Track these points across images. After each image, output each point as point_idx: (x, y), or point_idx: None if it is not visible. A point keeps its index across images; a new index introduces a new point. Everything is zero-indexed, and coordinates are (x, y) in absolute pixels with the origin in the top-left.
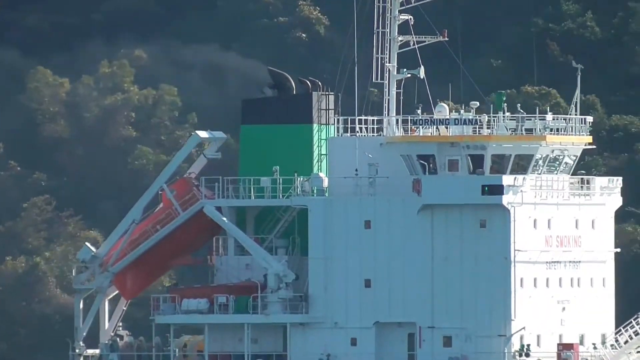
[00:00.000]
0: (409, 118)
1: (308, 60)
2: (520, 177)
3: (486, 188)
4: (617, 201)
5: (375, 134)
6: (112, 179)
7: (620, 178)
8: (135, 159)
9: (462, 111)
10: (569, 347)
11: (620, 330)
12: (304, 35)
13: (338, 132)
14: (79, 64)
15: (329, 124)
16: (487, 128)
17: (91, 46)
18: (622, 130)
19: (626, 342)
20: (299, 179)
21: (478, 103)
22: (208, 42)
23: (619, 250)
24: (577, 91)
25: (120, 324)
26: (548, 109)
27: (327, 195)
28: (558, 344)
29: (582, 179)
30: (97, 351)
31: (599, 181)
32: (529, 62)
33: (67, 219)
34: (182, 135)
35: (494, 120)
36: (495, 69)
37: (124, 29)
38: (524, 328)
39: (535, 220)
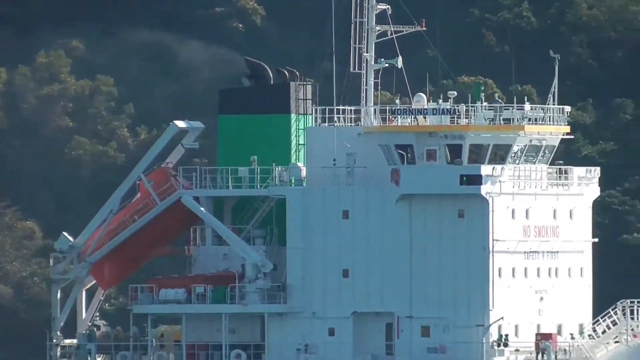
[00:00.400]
0: (387, 108)
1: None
2: (498, 167)
3: (464, 178)
4: (595, 191)
5: (353, 124)
6: (49, 170)
7: (599, 168)
8: (72, 150)
9: (440, 101)
10: (547, 337)
11: (598, 320)
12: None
13: (316, 122)
14: (15, 54)
15: (306, 114)
16: (465, 118)
17: (28, 36)
18: None
19: (604, 332)
20: (277, 168)
21: (455, 93)
22: (150, 29)
23: (596, 240)
24: (555, 81)
25: (97, 314)
26: (483, 99)
27: (305, 185)
28: (536, 334)
29: (559, 169)
30: (75, 341)
31: (577, 171)
32: (465, 52)
33: (3, 210)
34: (118, 125)
35: (472, 110)
36: (432, 59)
37: (60, 18)
38: (502, 318)
39: (513, 210)
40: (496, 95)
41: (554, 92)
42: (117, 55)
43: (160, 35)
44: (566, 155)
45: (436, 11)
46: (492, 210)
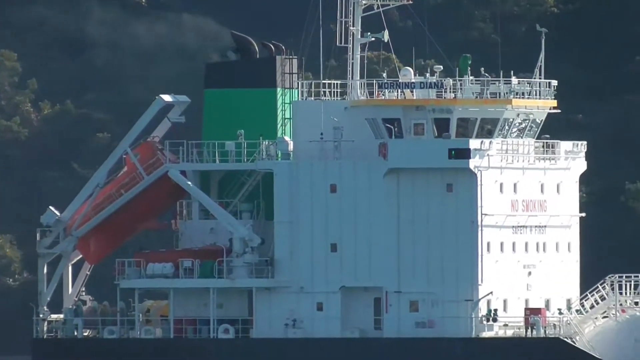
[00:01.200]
0: (374, 81)
1: None
2: (487, 141)
3: (453, 152)
4: (581, 165)
5: (339, 98)
6: None
7: (585, 142)
8: None
9: (427, 75)
10: (536, 312)
11: (586, 295)
12: None
13: (302, 96)
14: None
15: (292, 88)
16: (452, 92)
17: None
18: None
19: (592, 307)
20: (264, 142)
21: (442, 67)
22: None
23: (584, 215)
24: (542, 55)
25: (84, 289)
26: (385, 74)
27: (292, 159)
28: (525, 309)
29: (546, 143)
30: (61, 316)
31: (564, 145)
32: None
33: None
34: (21, 100)
35: (459, 83)
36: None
37: None
38: (491, 293)
39: (501, 184)
40: (482, 69)
41: (540, 66)
42: (20, 29)
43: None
44: None
45: None
46: (481, 184)
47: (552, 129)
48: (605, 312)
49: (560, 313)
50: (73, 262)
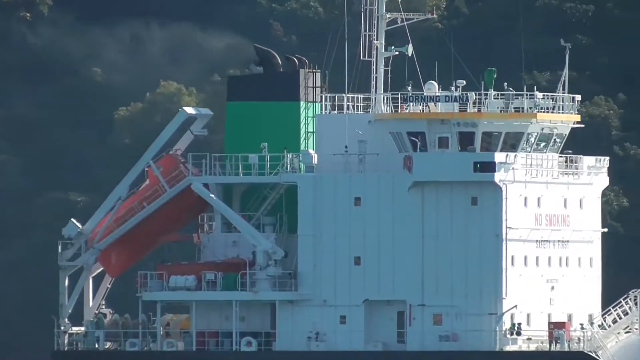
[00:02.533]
0: (399, 95)
1: None
2: (511, 154)
3: (478, 165)
4: (604, 181)
5: (362, 112)
6: None
7: (608, 158)
8: None
9: (452, 88)
10: (560, 326)
11: (609, 310)
12: None
13: (325, 109)
14: None
15: (315, 102)
16: (475, 106)
17: None
18: None
19: (615, 321)
20: (288, 155)
21: (465, 82)
22: None
23: (606, 230)
24: (565, 70)
25: (104, 302)
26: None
27: (315, 172)
28: (549, 323)
29: (568, 157)
30: (82, 328)
31: (587, 160)
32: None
33: None
34: None
35: (484, 97)
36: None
37: None
38: (515, 306)
39: (525, 198)
40: (505, 84)
41: (564, 81)
42: None
43: None
44: None
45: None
46: (506, 198)
47: None
48: (628, 326)
49: (583, 328)
50: (93, 274)
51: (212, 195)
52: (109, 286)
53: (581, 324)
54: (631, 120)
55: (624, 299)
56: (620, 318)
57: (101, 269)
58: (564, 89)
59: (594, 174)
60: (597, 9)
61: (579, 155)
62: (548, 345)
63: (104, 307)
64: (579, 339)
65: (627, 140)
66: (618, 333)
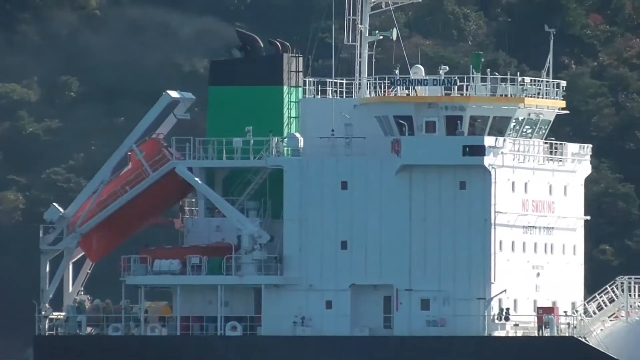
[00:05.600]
0: (385, 78)
1: None
2: (500, 139)
3: (467, 149)
4: (586, 168)
5: (345, 97)
6: None
7: (590, 145)
8: None
9: (441, 72)
10: (549, 311)
11: (595, 296)
12: None
13: (308, 94)
14: None
15: (298, 86)
16: (459, 91)
17: None
18: None
19: (600, 309)
20: (274, 139)
21: (447, 67)
22: None
23: (588, 218)
24: (550, 56)
25: (82, 289)
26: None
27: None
28: (538, 308)
29: (552, 144)
30: (64, 314)
31: (570, 147)
32: None
33: None
34: None
35: (472, 81)
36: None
37: None
38: (504, 291)
39: (513, 183)
40: (487, 70)
41: (548, 67)
42: None
43: None
44: None
45: None
46: (495, 182)
47: None
48: (613, 314)
49: (572, 313)
50: (74, 260)
51: (197, 179)
52: (89, 271)
53: (565, 312)
54: None
55: (610, 286)
56: (606, 305)
57: (82, 253)
58: (548, 75)
59: (577, 161)
60: None
61: (563, 142)
62: (536, 331)
63: (82, 293)
64: (568, 324)
65: None
66: (603, 320)
